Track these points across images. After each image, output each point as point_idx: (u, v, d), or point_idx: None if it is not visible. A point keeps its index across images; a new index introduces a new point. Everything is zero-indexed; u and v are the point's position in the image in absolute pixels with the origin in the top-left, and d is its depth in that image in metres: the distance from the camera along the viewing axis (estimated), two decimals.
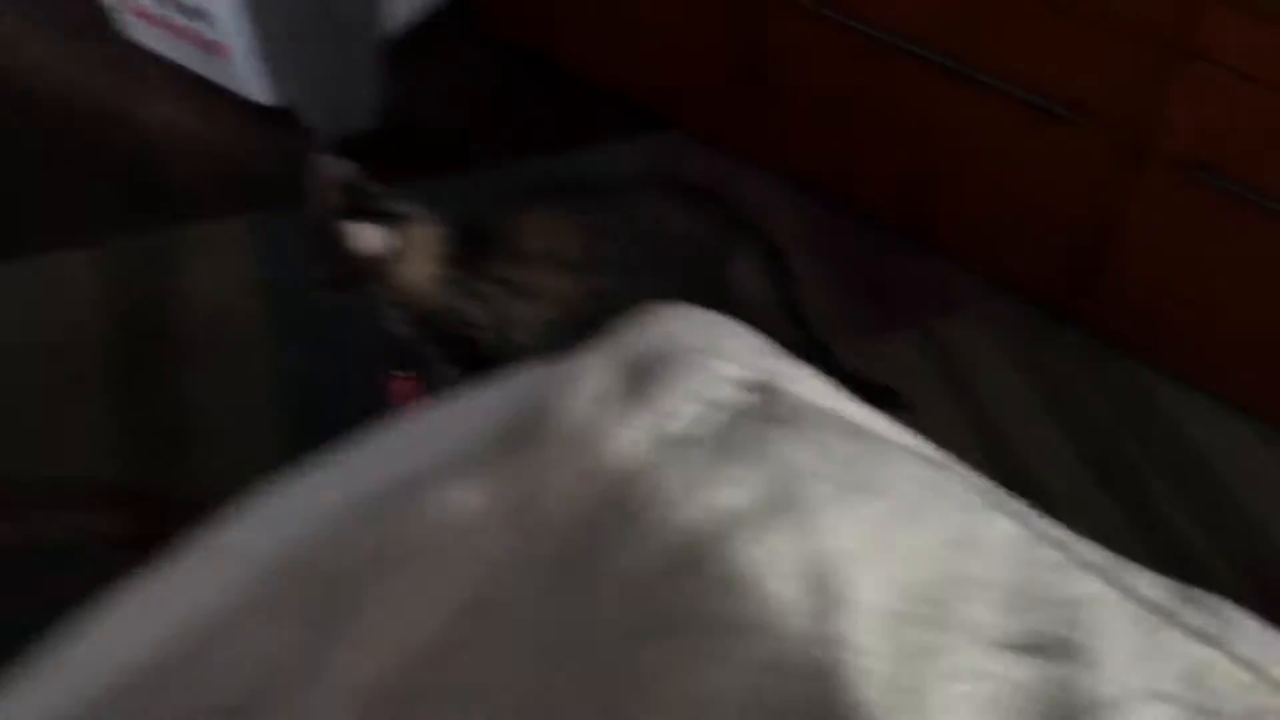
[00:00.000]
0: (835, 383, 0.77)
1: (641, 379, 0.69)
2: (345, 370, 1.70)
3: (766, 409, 0.69)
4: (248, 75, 2.00)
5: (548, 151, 2.03)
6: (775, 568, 0.59)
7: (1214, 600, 0.66)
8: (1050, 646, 0.60)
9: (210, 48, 2.00)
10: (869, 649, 0.58)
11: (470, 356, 1.52)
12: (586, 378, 0.69)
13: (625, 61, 2.02)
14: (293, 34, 1.87)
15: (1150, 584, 0.66)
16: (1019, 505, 0.70)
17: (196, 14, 1.94)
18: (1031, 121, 1.55)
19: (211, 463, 1.60)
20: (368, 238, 1.37)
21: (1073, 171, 1.59)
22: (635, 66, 2.01)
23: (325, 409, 1.65)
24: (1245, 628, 0.64)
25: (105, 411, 1.66)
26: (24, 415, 1.65)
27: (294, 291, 1.77)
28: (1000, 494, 0.71)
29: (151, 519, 1.54)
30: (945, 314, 1.77)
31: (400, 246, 1.39)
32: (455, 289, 1.44)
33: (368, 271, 1.41)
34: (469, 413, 0.76)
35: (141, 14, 2.07)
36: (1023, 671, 0.58)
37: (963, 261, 1.80)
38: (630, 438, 0.66)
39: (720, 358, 0.72)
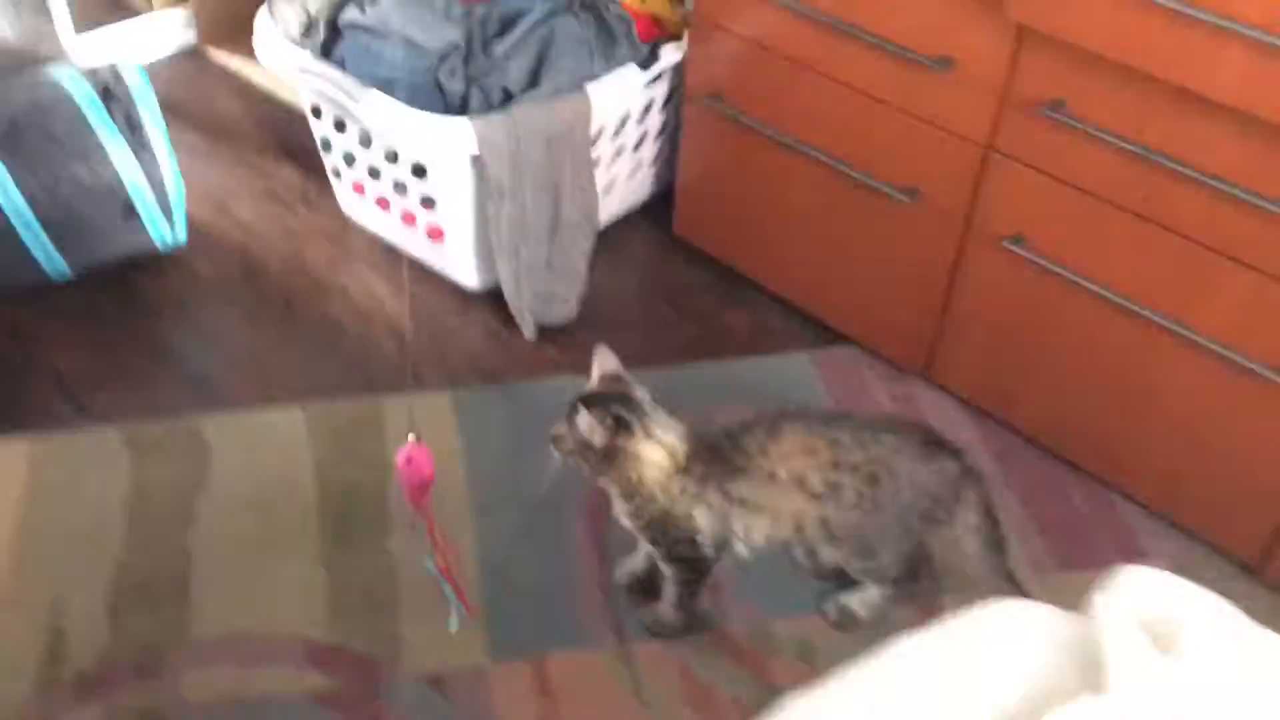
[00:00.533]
0: None
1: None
2: (545, 550, 1.76)
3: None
4: (459, 259, 2.13)
5: (728, 354, 2.13)
6: None
7: None
8: None
9: (427, 231, 2.14)
10: None
11: (687, 560, 1.58)
12: (1114, 638, 0.79)
13: (805, 277, 2.14)
14: (520, 229, 2.00)
15: None
16: None
17: (424, 200, 2.08)
18: (1240, 383, 1.62)
19: (414, 629, 1.64)
20: (587, 426, 1.46)
21: None
22: (816, 282, 2.13)
23: (523, 585, 1.71)
24: None
25: (314, 569, 1.71)
26: (237, 566, 1.71)
27: (496, 467, 1.86)
28: None
29: (356, 681, 1.58)
30: (1131, 556, 1.81)
31: (620, 446, 1.48)
32: (688, 496, 1.52)
33: (602, 457, 1.49)
34: (972, 667, 0.84)
35: (362, 191, 2.22)
36: None
37: (1150, 505, 1.85)
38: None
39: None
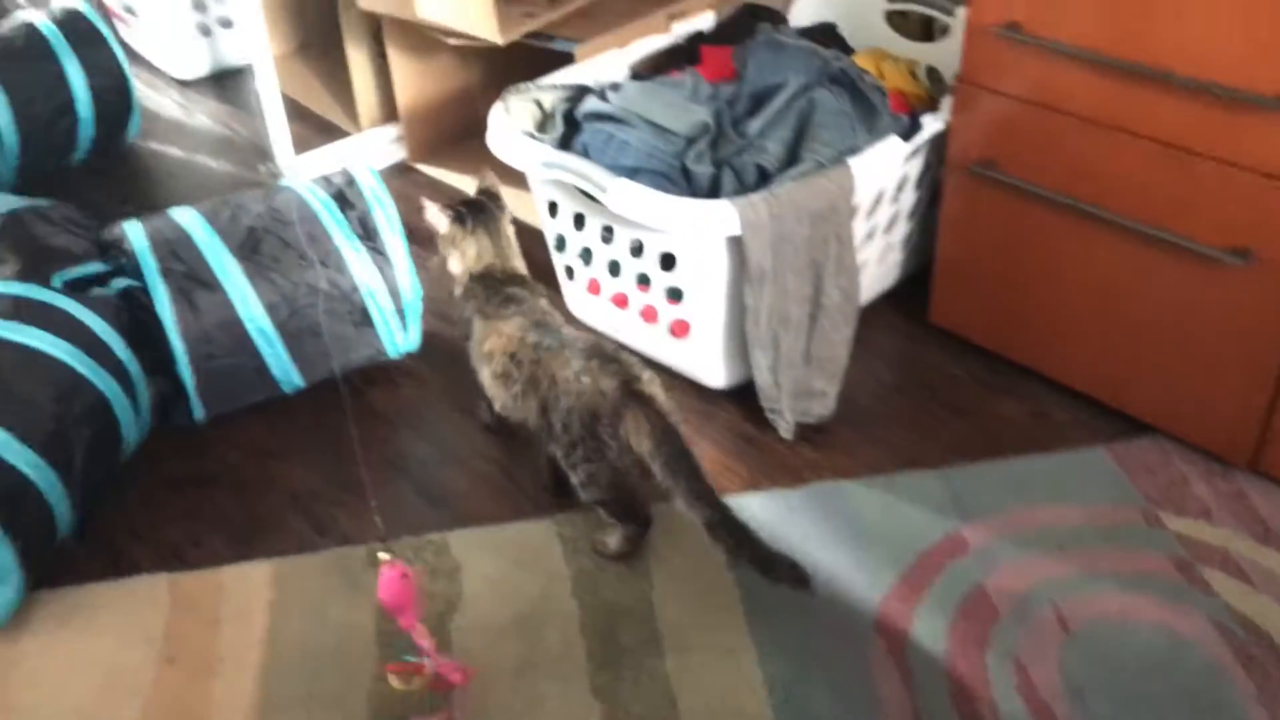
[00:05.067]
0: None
1: None
2: (839, 673, 1.54)
3: None
4: (705, 356, 1.98)
5: (1006, 450, 1.90)
6: None
7: None
8: None
9: (670, 327, 1.99)
10: None
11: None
12: None
13: (1093, 359, 1.91)
14: (781, 316, 1.83)
15: None
16: None
17: (670, 293, 1.94)
18: None
19: None
20: (434, 215, 1.79)
21: None
22: (1106, 365, 1.90)
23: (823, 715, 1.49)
24: None
25: (586, 699, 1.53)
26: (503, 696, 1.53)
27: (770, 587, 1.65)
28: None
29: None
30: None
31: (450, 236, 1.80)
32: (464, 298, 1.82)
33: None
34: None
35: (597, 290, 2.10)
36: None
37: None
38: None
39: None
